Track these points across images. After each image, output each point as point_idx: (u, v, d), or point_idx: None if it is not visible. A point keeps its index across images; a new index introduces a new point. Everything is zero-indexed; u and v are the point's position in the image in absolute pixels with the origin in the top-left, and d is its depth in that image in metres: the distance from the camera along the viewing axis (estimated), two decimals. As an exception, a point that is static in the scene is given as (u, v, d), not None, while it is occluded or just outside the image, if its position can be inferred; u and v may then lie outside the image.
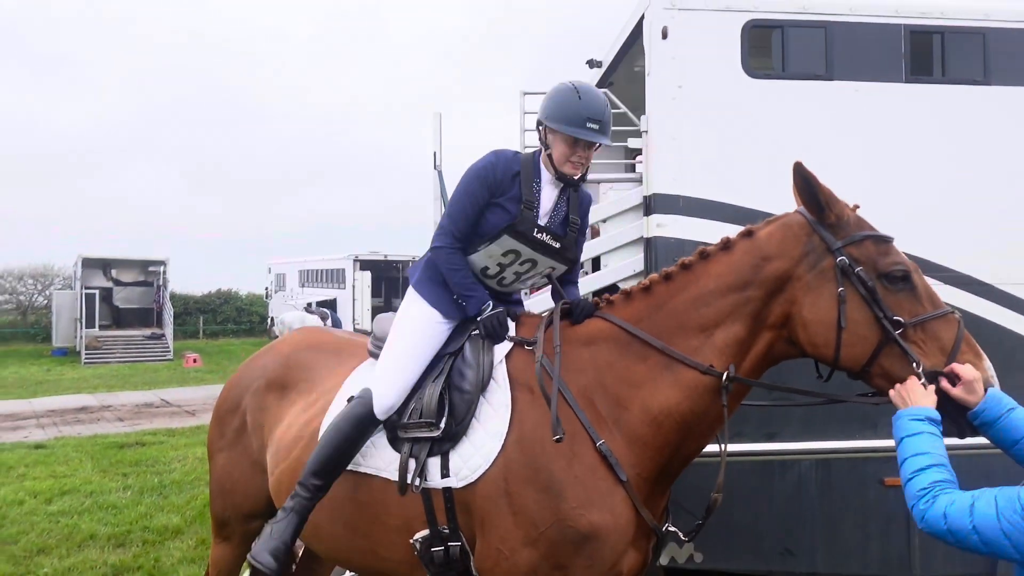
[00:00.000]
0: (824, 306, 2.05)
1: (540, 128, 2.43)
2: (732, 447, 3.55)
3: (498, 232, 2.37)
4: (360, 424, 2.27)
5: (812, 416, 3.79)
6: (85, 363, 20.73)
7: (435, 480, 2.20)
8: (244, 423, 2.81)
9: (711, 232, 3.64)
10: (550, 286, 2.62)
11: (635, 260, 3.96)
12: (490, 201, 2.37)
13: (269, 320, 27.29)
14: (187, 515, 5.86)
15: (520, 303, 2.72)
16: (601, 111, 2.34)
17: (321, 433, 2.37)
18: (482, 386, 2.25)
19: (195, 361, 19.92)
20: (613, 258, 4.11)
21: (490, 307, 2.36)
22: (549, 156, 2.41)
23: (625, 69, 5.06)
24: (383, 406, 2.29)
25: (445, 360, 2.37)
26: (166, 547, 5.13)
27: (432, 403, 2.26)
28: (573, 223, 2.49)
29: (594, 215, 4.32)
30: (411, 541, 2.22)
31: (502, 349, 2.34)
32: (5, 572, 4.67)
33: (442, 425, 2.22)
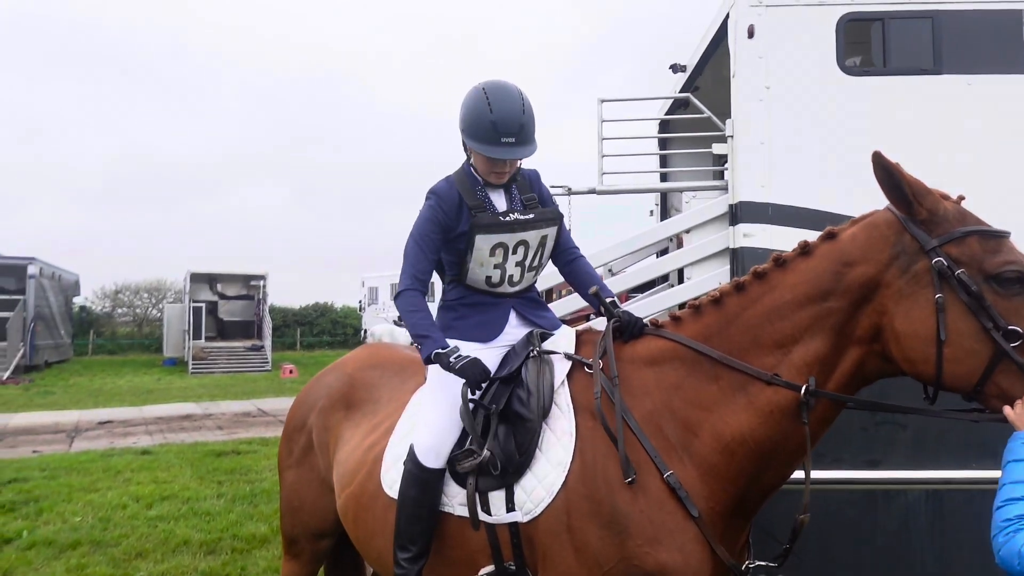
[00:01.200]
0: (919, 316, 1.80)
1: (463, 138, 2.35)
2: (830, 474, 3.28)
3: (470, 238, 2.27)
4: (421, 483, 2.18)
5: (922, 442, 3.46)
6: (192, 373, 21.91)
7: (500, 514, 2.08)
8: (311, 442, 2.79)
9: (804, 242, 3.39)
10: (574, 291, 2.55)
11: (720, 272, 3.75)
12: (447, 238, 2.32)
13: (363, 332, 28.10)
14: (274, 525, 5.98)
15: (555, 320, 2.54)
16: (515, 120, 2.20)
17: (395, 497, 2.28)
18: (544, 413, 2.10)
19: (291, 372, 20.68)
20: (697, 270, 3.91)
21: (458, 353, 2.17)
22: (472, 166, 2.38)
23: (711, 73, 4.85)
24: (429, 456, 2.18)
25: (496, 386, 2.23)
26: (253, 556, 5.24)
27: (477, 431, 2.15)
28: (530, 200, 2.41)
29: (678, 225, 4.14)
30: None
31: (562, 370, 2.20)
32: (107, 573, 4.89)
33: (485, 452, 2.09)
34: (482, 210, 2.31)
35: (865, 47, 3.72)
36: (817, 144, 3.55)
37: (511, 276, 2.37)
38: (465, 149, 2.37)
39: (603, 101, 4.04)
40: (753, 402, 1.94)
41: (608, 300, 2.34)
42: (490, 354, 2.31)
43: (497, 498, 2.08)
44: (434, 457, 2.17)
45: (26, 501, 6.75)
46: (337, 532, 2.73)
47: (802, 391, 1.88)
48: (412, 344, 2.42)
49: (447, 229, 2.30)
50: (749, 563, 2.06)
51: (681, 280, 4.30)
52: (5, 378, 19.20)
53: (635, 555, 1.87)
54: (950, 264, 1.78)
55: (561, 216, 2.47)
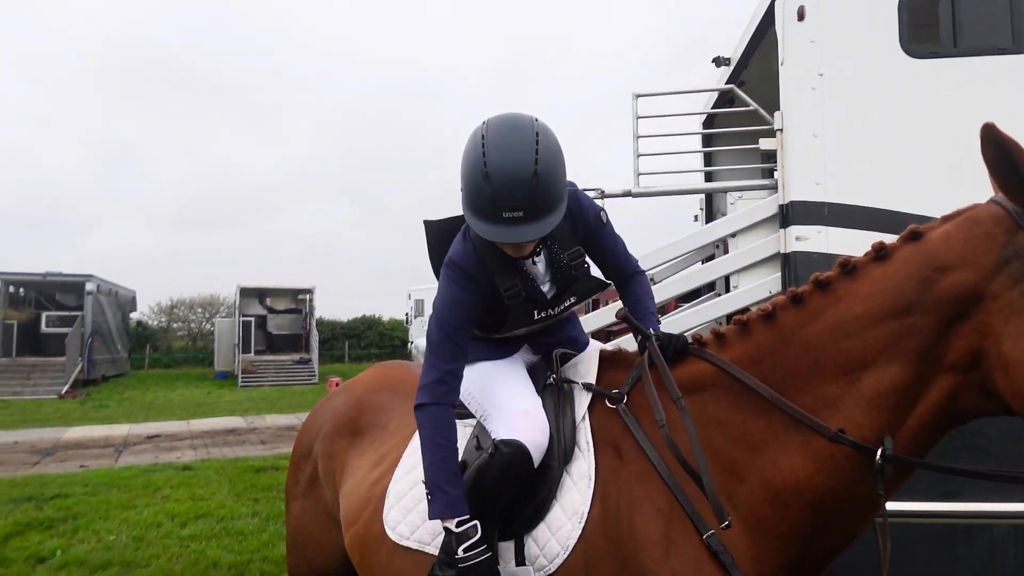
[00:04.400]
0: None
1: None
2: (901, 506, 2.90)
3: (503, 317, 1.89)
4: (509, 482, 1.76)
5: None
6: (241, 386, 22.20)
7: (510, 568, 1.77)
8: (316, 471, 2.55)
9: (864, 245, 3.01)
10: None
11: (771, 280, 3.41)
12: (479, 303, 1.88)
13: (409, 344, 28.15)
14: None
15: (581, 335, 2.19)
16: (521, 187, 1.65)
17: (399, 541, 1.98)
18: (566, 457, 1.79)
19: (337, 384, 20.68)
20: (745, 278, 3.56)
21: (473, 541, 1.70)
22: None
23: (757, 66, 4.50)
24: (539, 449, 1.79)
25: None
26: (281, 580, 5.05)
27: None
28: (575, 257, 1.94)
29: (723, 228, 3.80)
30: None
31: (583, 402, 1.87)
32: (132, 597, 4.75)
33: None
34: (516, 296, 1.88)
35: (933, 26, 3.34)
36: (878, 135, 3.18)
37: (551, 312, 2.04)
38: None
39: (638, 96, 3.74)
40: (810, 443, 1.57)
41: (643, 325, 1.96)
42: (515, 364, 2.04)
43: (505, 549, 1.79)
44: (539, 457, 1.78)
45: (65, 519, 6.73)
46: (347, 571, 2.48)
47: (876, 456, 1.49)
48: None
49: (475, 309, 1.89)
50: None
51: (728, 289, 3.96)
52: (63, 392, 19.73)
53: None
54: None
55: (607, 286, 2.08)
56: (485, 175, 1.66)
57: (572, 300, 2.00)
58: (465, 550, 1.70)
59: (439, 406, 1.82)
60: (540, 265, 1.95)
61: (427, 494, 1.79)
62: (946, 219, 1.57)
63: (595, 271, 2.09)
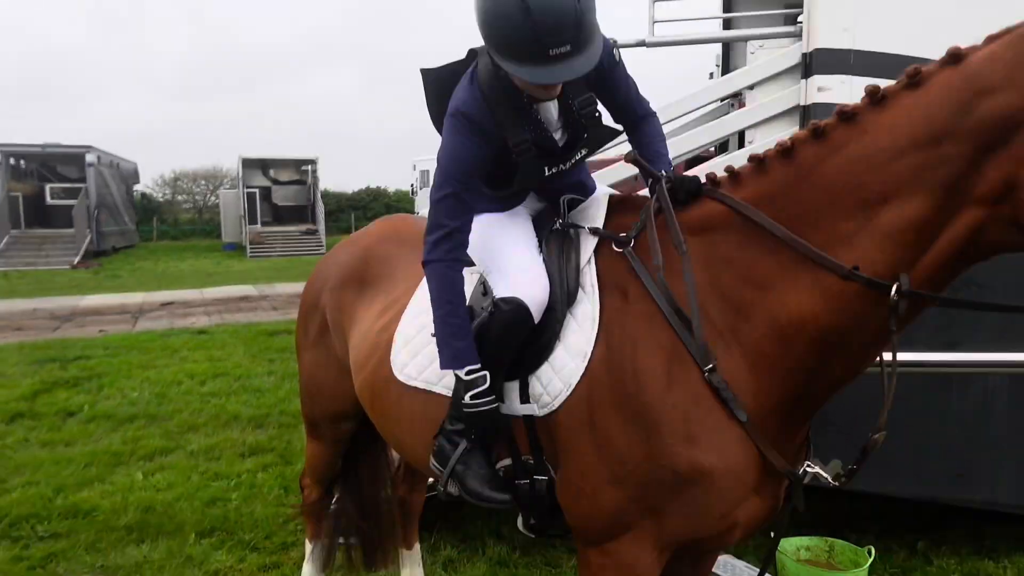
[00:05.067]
0: None
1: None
2: (901, 356, 2.96)
3: (511, 173, 1.82)
4: (511, 338, 1.79)
5: (1010, 321, 3.08)
6: (250, 256, 22.43)
7: (514, 406, 1.82)
8: (325, 322, 2.59)
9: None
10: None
11: (789, 134, 3.30)
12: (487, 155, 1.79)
13: (416, 216, 28.14)
14: (322, 401, 6.06)
15: (588, 179, 2.12)
16: (568, 15, 1.51)
17: (407, 382, 2.03)
18: (569, 300, 1.79)
19: (345, 256, 20.94)
20: (761, 132, 3.45)
21: (480, 389, 1.74)
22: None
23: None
24: (539, 305, 1.78)
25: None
26: (298, 431, 5.30)
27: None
28: (586, 104, 1.85)
29: (740, 80, 3.65)
30: (496, 469, 1.90)
31: (589, 246, 1.85)
32: (160, 445, 5.03)
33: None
34: (527, 150, 1.78)
35: None
36: (913, -26, 2.98)
37: (561, 167, 1.96)
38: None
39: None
40: (820, 281, 1.53)
41: (654, 168, 1.88)
42: (518, 216, 2.00)
43: (511, 389, 1.83)
44: (539, 313, 1.78)
45: (89, 377, 7.01)
46: (359, 415, 2.59)
47: (892, 292, 1.45)
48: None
49: (483, 161, 1.80)
50: (807, 465, 1.73)
51: (742, 146, 3.86)
52: (76, 263, 20.01)
53: (664, 454, 1.59)
54: None
55: (619, 133, 1.99)
56: (525, 9, 1.49)
57: (584, 152, 1.93)
58: (472, 397, 1.75)
59: (445, 263, 1.81)
60: (553, 111, 1.87)
61: (438, 345, 1.82)
62: (991, 39, 1.44)
63: (607, 119, 2.00)
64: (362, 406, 2.40)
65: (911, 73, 1.48)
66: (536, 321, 1.79)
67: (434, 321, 1.84)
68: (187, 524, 3.76)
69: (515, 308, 1.76)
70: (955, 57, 1.44)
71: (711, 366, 1.59)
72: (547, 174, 1.88)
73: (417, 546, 3.08)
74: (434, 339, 1.93)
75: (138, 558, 3.42)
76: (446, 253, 1.81)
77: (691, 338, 1.62)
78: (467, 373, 1.77)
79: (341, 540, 3.52)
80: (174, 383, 6.75)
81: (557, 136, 1.90)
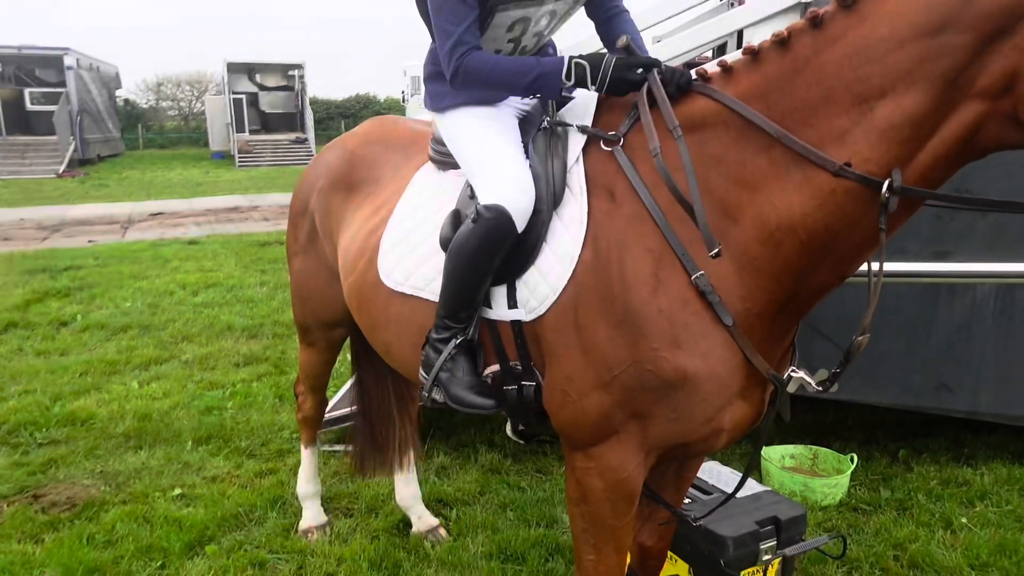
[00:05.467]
0: None
1: None
2: (891, 266, 2.94)
3: (485, 12, 1.79)
4: (496, 247, 1.75)
5: (1001, 231, 3.06)
6: (239, 166, 22.04)
7: (501, 312, 1.82)
8: (315, 227, 2.56)
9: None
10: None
11: (789, 34, 3.17)
12: None
13: (406, 125, 27.52)
14: (314, 311, 6.08)
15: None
16: None
17: (432, 254, 1.95)
18: (555, 200, 1.75)
19: (336, 165, 20.59)
20: (760, 32, 3.31)
21: (600, 52, 1.78)
22: None
23: None
24: (523, 213, 1.75)
25: None
26: (292, 340, 5.35)
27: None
28: None
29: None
30: (483, 376, 1.91)
31: (576, 145, 1.79)
32: (154, 355, 5.07)
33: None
34: None
35: None
36: None
37: (524, 47, 1.96)
38: None
39: None
40: (811, 179, 1.49)
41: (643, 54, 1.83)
42: (504, 115, 1.94)
43: (498, 294, 1.82)
44: (523, 219, 1.76)
45: (80, 287, 7.00)
46: (351, 321, 2.58)
47: (883, 189, 1.41)
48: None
49: None
50: (792, 371, 1.74)
51: (740, 46, 3.71)
52: (62, 171, 19.65)
53: (649, 359, 1.59)
54: None
55: None
56: None
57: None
58: (606, 64, 1.72)
59: (467, 54, 1.78)
60: None
61: (529, 87, 1.79)
62: None
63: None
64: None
65: None
66: (520, 230, 1.76)
67: (506, 77, 1.80)
68: (184, 432, 3.83)
69: (497, 216, 1.73)
70: None
71: (700, 272, 1.57)
72: None
73: (412, 454, 3.04)
74: (421, 245, 1.97)
75: (136, 464, 3.49)
76: (465, 49, 1.79)
77: (679, 242, 1.60)
78: (578, 59, 1.74)
79: (339, 447, 3.61)
80: (166, 293, 6.76)
81: None
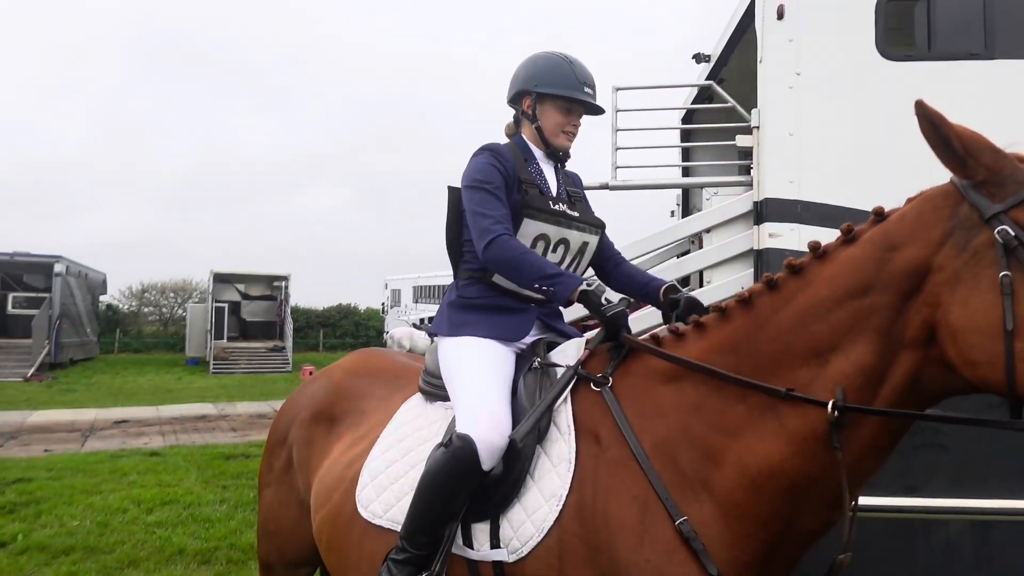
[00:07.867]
0: (979, 304, 1.39)
1: (525, 100, 2.24)
2: (863, 500, 2.94)
3: (516, 218, 2.07)
4: (461, 478, 1.77)
5: (966, 467, 3.11)
6: (213, 372, 21.93)
7: (484, 550, 1.77)
8: (291, 458, 2.52)
9: (837, 243, 3.07)
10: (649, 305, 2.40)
11: (744, 276, 3.44)
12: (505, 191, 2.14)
13: (385, 334, 28.03)
14: (274, 533, 5.76)
15: (572, 329, 2.30)
16: (592, 78, 2.24)
17: (414, 488, 1.92)
18: (539, 435, 1.80)
19: (311, 373, 20.55)
20: (718, 273, 3.60)
21: (607, 294, 2.00)
22: (538, 129, 2.24)
23: (737, 63, 4.53)
24: (492, 450, 1.78)
25: None
26: (248, 567, 5.01)
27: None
28: (576, 195, 2.31)
29: (698, 223, 3.84)
30: None
31: (566, 385, 1.88)
32: (95, 583, 4.68)
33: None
34: (533, 186, 2.14)
35: (908, 29, 3.39)
36: (853, 136, 3.22)
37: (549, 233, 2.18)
38: (527, 115, 2.24)
39: (618, 89, 3.75)
40: (784, 425, 1.58)
41: (672, 291, 2.16)
42: (504, 353, 2.04)
43: (480, 531, 1.79)
44: (491, 459, 1.78)
45: (27, 503, 6.61)
46: (317, 560, 2.47)
47: (829, 406, 1.51)
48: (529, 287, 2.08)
49: (507, 180, 2.12)
50: None
51: (702, 284, 3.99)
52: (29, 375, 19.36)
53: None
54: (1018, 233, 1.37)
55: (604, 225, 2.31)
56: (568, 61, 2.22)
57: (579, 214, 2.21)
58: (607, 301, 1.92)
59: (507, 235, 2.00)
60: (550, 178, 2.25)
61: (543, 287, 1.95)
62: (908, 200, 1.63)
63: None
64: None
65: (845, 230, 1.65)
66: (486, 468, 1.77)
67: (523, 271, 1.97)
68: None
69: (464, 447, 1.77)
70: (879, 216, 1.62)
71: (684, 518, 1.59)
72: (553, 208, 2.13)
73: None
74: (402, 478, 1.97)
75: None
76: (501, 227, 2.01)
77: (663, 485, 1.63)
78: (587, 285, 1.94)
79: None
80: (119, 511, 6.39)
81: (554, 192, 2.22)
